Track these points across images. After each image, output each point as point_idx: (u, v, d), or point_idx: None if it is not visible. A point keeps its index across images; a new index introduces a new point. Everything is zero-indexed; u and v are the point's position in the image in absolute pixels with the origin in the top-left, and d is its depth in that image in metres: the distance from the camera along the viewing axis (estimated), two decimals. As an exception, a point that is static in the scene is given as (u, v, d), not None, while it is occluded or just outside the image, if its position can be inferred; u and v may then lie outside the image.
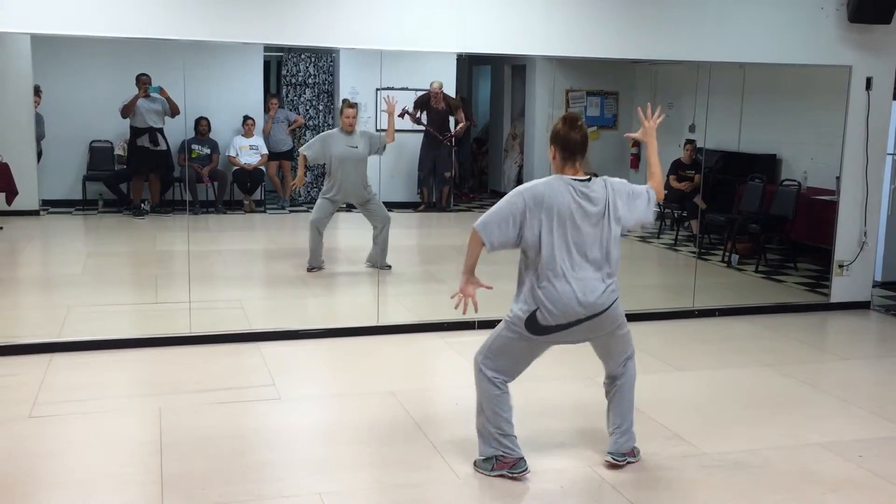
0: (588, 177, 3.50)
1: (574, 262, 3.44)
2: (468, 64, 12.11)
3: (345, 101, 7.34)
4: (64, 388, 4.63)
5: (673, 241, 9.18)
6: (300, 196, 10.41)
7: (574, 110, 3.15)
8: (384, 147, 7.13)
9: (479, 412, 3.67)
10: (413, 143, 9.82)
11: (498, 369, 3.61)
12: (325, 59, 10.47)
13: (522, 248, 3.51)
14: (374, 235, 7.23)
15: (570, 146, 3.49)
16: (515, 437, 3.63)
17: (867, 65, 6.59)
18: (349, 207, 7.76)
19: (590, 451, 3.91)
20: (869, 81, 6.62)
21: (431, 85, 9.43)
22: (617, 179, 3.60)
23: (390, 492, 3.53)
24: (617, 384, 3.74)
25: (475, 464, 3.70)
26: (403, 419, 4.30)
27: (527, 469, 3.60)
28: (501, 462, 3.61)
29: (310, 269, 7.20)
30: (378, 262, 7.20)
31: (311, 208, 7.32)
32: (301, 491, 3.51)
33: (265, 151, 10.04)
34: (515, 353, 3.58)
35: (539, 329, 3.48)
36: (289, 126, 10.28)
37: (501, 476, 3.60)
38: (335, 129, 7.30)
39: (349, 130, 7.08)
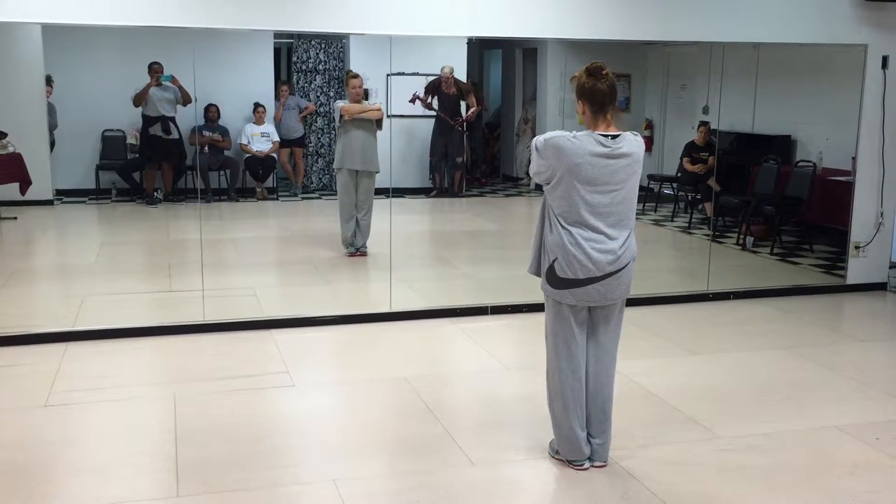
0: (618, 133, 3.39)
1: (595, 220, 3.36)
2: (479, 48, 12.05)
3: (348, 72, 7.48)
4: (79, 377, 4.65)
5: (687, 224, 9.13)
6: (312, 183, 10.42)
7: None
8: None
9: (550, 403, 3.65)
10: (424, 128, 9.80)
11: (561, 367, 3.54)
12: (335, 46, 10.44)
13: (546, 200, 3.45)
14: (358, 219, 7.37)
15: (599, 97, 3.35)
16: (583, 434, 3.58)
17: (883, 43, 6.51)
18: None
19: (604, 436, 3.89)
20: (885, 60, 6.53)
21: (442, 70, 9.40)
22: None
23: (404, 477, 3.53)
24: (601, 396, 3.61)
25: (550, 443, 3.73)
26: (417, 405, 4.30)
27: (585, 465, 3.58)
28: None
29: (351, 255, 7.37)
30: (357, 243, 7.36)
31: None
32: (315, 477, 3.52)
33: (277, 139, 10.05)
34: (560, 330, 3.51)
35: (558, 282, 3.43)
36: (300, 113, 10.27)
37: (560, 461, 3.62)
38: (345, 100, 7.38)
39: (356, 101, 7.23)
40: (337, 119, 7.29)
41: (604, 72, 3.37)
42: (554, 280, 3.45)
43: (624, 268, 3.43)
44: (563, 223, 3.39)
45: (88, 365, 4.86)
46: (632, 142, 3.41)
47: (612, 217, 3.39)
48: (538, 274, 3.56)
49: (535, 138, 3.49)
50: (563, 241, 3.39)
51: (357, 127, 7.21)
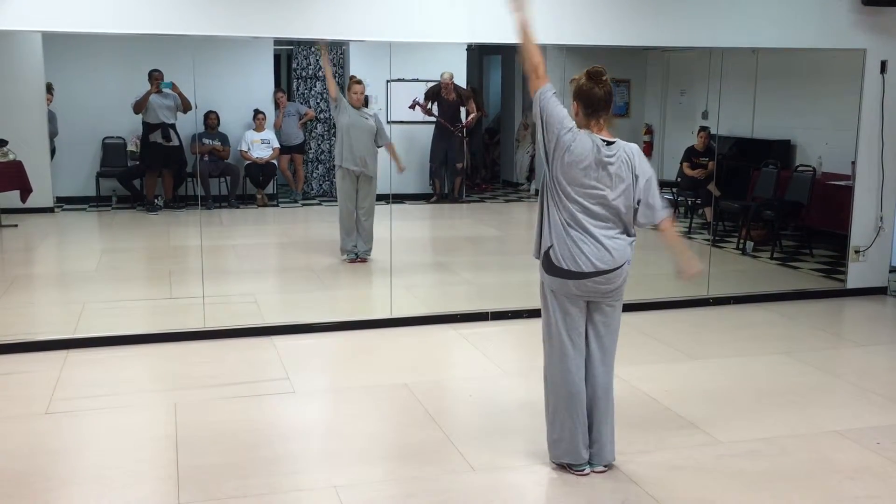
0: (614, 140, 3.42)
1: (586, 219, 3.39)
2: (478, 54, 12.08)
3: (352, 77, 7.44)
4: (80, 384, 4.66)
5: (687, 229, 9.13)
6: (312, 190, 10.42)
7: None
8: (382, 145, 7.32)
9: (548, 407, 3.64)
10: (424, 134, 9.81)
11: (560, 369, 3.54)
12: (335, 52, 10.45)
13: (544, 183, 3.47)
14: (359, 221, 7.33)
15: (594, 102, 3.40)
16: (583, 438, 3.57)
17: (882, 48, 6.52)
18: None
19: (604, 441, 3.89)
20: (884, 65, 6.55)
21: (442, 76, 9.42)
22: (639, 152, 3.49)
23: (405, 484, 3.53)
24: (600, 399, 3.61)
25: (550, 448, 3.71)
26: (417, 411, 4.30)
27: (586, 470, 3.58)
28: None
29: (351, 261, 7.31)
30: (359, 249, 7.31)
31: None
32: (316, 484, 3.52)
33: (277, 145, 10.06)
34: (559, 329, 3.51)
35: (553, 269, 3.44)
36: (300, 119, 10.28)
37: (562, 467, 3.61)
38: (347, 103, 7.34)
39: (357, 106, 7.19)
40: (333, 111, 7.20)
41: (603, 77, 3.42)
42: (549, 266, 3.47)
43: (617, 269, 3.43)
44: (560, 218, 3.42)
45: (89, 372, 4.86)
46: (624, 147, 3.45)
47: (604, 217, 3.41)
48: (538, 256, 3.56)
49: (542, 98, 3.43)
50: (560, 233, 3.41)
51: (356, 128, 7.18)
